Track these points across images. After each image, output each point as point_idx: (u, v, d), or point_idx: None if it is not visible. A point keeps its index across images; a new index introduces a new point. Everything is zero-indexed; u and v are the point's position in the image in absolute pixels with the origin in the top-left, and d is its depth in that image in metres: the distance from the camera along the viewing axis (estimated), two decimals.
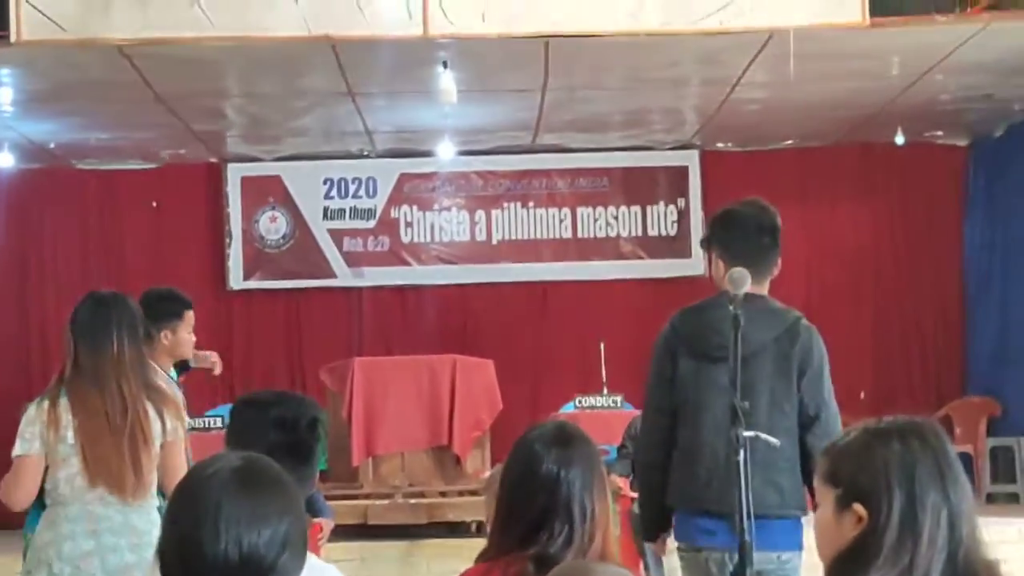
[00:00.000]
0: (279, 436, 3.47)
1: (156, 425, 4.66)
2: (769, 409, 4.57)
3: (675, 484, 4.65)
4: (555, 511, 3.19)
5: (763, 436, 4.23)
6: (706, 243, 4.93)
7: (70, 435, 4.58)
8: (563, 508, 3.19)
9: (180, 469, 4.53)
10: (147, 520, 4.63)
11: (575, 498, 3.20)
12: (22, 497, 4.64)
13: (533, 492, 3.22)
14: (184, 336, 6.04)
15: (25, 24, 8.44)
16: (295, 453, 3.41)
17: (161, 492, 4.66)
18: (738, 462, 3.97)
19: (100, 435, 4.58)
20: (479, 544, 3.44)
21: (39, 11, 8.32)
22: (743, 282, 4.16)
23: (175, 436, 4.73)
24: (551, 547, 3.15)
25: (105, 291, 4.91)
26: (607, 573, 2.59)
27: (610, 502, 3.36)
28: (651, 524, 4.91)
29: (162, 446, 4.68)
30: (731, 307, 4.12)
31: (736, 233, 4.72)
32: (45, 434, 4.57)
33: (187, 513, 2.17)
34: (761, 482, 4.25)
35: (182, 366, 6.32)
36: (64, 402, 4.60)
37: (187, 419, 5.46)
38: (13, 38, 8.51)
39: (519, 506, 3.26)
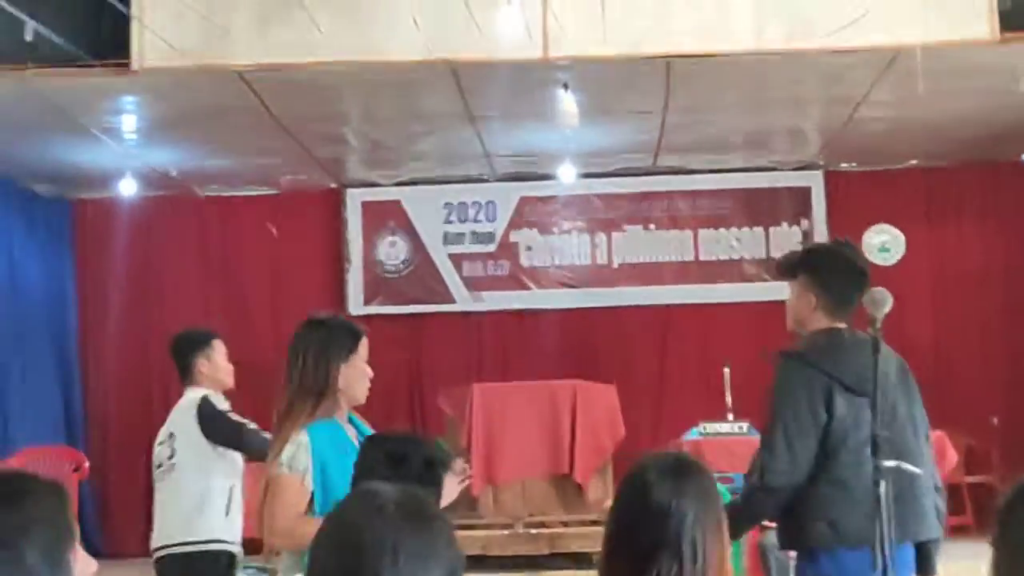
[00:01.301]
0: (388, 472, 3.35)
1: None
2: (914, 438, 4.62)
3: (848, 521, 4.45)
4: (664, 546, 3.02)
5: (904, 465, 4.17)
6: (791, 273, 4.83)
7: None
8: (672, 543, 3.01)
9: None
10: None
11: (686, 533, 3.02)
12: (287, 525, 4.26)
13: (641, 524, 3.05)
14: (220, 362, 6.53)
15: (147, 51, 8.51)
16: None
17: None
18: (879, 493, 3.94)
19: None
20: None
21: (160, 38, 8.36)
22: (885, 303, 4.10)
23: None
24: None
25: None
26: None
27: (727, 539, 3.20)
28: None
29: None
30: (871, 330, 4.09)
31: (839, 271, 4.74)
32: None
33: (355, 552, 2.05)
34: (925, 507, 4.50)
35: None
36: None
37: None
38: (135, 66, 8.58)
39: (627, 539, 3.08)
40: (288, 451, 4.25)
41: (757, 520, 4.76)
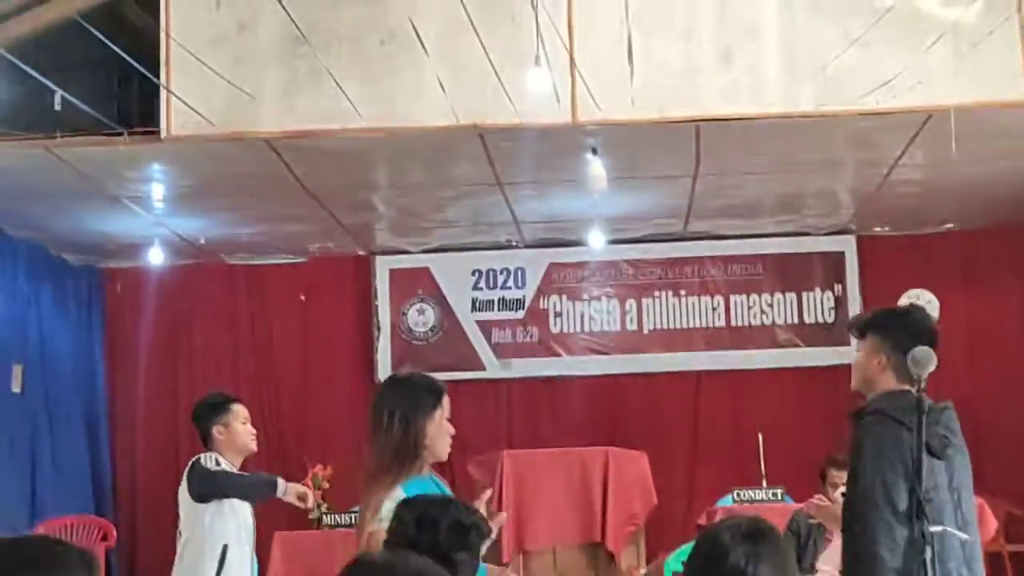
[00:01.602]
0: (417, 537, 3.27)
1: None
2: (970, 503, 4.62)
3: None
4: None
5: (950, 530, 4.27)
6: (860, 332, 4.86)
7: None
8: None
9: None
10: None
11: None
12: None
13: None
14: (238, 427, 6.63)
15: (175, 119, 8.52)
16: (436, 557, 3.18)
17: None
18: (925, 559, 4.06)
19: None
20: None
21: (188, 106, 8.36)
22: (929, 363, 4.15)
23: None
24: None
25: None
26: None
27: None
28: None
29: None
30: (915, 389, 4.17)
31: (910, 332, 4.70)
32: None
33: None
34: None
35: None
36: None
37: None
38: (163, 134, 8.59)
39: None
40: (387, 507, 4.21)
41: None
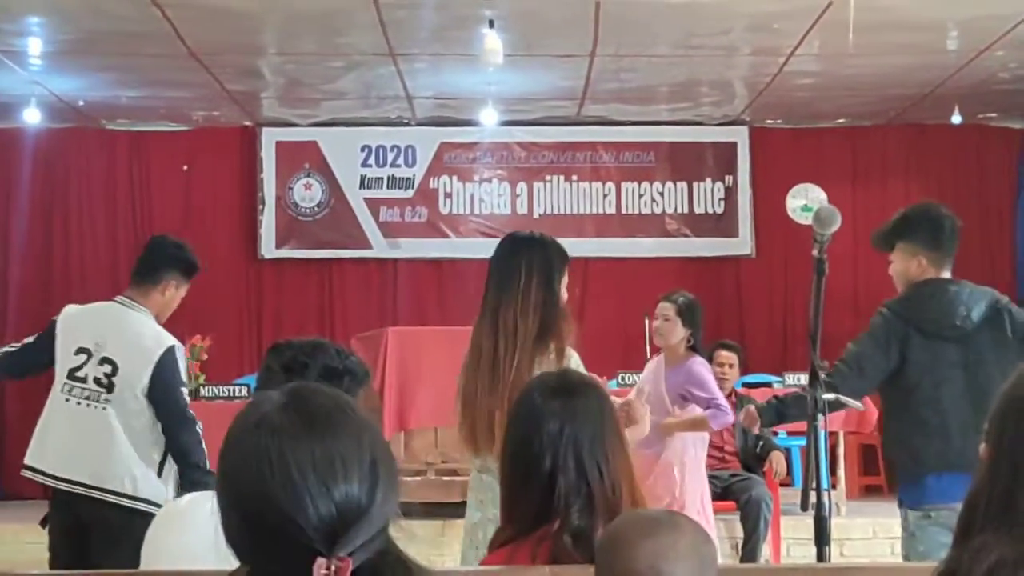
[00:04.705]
0: (286, 381, 3.03)
1: None
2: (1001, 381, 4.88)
3: (927, 451, 4.99)
4: (567, 470, 2.83)
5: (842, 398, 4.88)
6: (889, 244, 5.29)
7: None
8: (575, 466, 2.83)
9: None
10: None
11: (586, 454, 2.84)
12: None
13: (539, 452, 2.85)
14: (180, 297, 5.90)
15: None
16: None
17: None
18: (815, 427, 4.45)
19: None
20: None
21: None
22: (832, 221, 4.42)
23: None
24: (573, 515, 2.78)
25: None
26: (679, 525, 2.27)
27: (629, 455, 2.98)
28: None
29: None
30: (815, 251, 4.43)
31: (945, 231, 5.20)
32: None
33: (249, 479, 1.77)
34: None
35: None
36: None
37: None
38: None
39: (526, 471, 2.87)
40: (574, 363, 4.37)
41: (803, 409, 4.84)
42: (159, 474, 5.55)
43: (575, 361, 4.40)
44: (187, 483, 5.38)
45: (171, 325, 5.81)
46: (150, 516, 3.90)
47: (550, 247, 4.61)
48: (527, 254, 4.54)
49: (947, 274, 5.17)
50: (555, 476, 2.83)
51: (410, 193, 12.47)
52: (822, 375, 4.42)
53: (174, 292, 5.80)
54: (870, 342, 5.12)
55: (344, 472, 1.77)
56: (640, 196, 12.61)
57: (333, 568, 1.74)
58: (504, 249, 4.67)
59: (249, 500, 1.77)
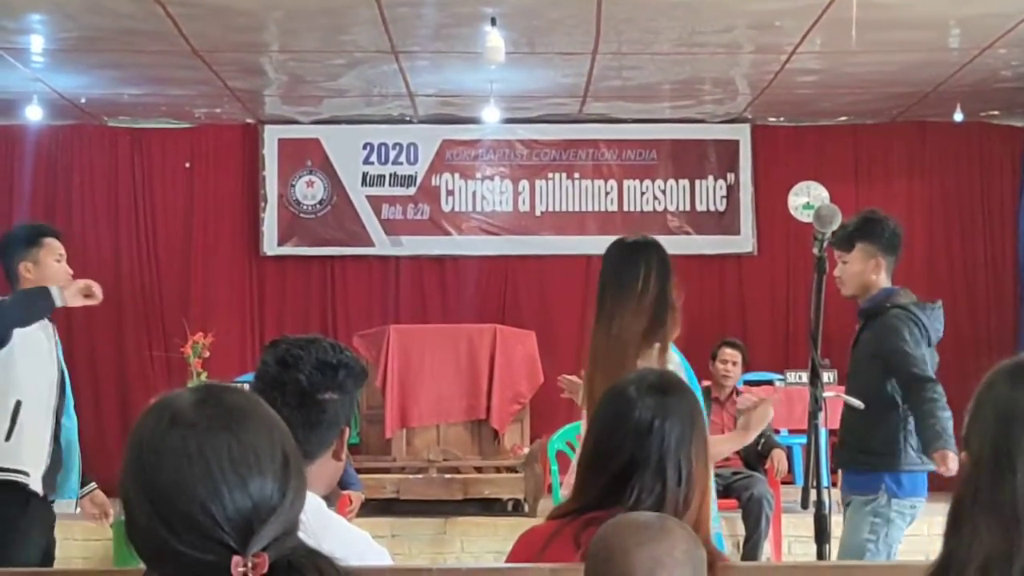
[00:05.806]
0: (281, 375, 2.94)
1: None
2: None
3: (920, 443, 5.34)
4: (646, 465, 2.83)
5: None
6: (848, 244, 5.53)
7: None
8: (656, 463, 2.84)
9: None
10: None
11: (670, 454, 2.84)
12: None
13: (622, 440, 2.86)
14: (51, 264, 5.61)
15: None
16: (301, 396, 2.92)
17: None
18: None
19: None
20: (515, 522, 3.08)
21: None
22: (834, 219, 4.66)
23: None
24: (639, 507, 2.75)
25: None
26: (672, 530, 2.27)
27: (711, 469, 3.00)
28: None
29: None
30: (816, 250, 4.65)
31: (898, 239, 5.66)
32: None
33: (168, 474, 1.78)
34: None
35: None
36: None
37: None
38: None
39: (605, 456, 2.88)
40: (674, 364, 4.42)
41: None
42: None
43: (676, 362, 4.47)
44: None
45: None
46: None
47: (663, 249, 4.68)
48: (645, 255, 4.58)
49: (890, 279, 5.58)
50: (632, 468, 2.85)
51: (412, 190, 12.47)
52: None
53: (35, 267, 5.54)
54: (915, 346, 5.48)
55: (259, 466, 1.80)
56: (642, 194, 12.61)
57: (250, 564, 1.76)
58: (620, 253, 4.68)
59: (165, 495, 1.78)
